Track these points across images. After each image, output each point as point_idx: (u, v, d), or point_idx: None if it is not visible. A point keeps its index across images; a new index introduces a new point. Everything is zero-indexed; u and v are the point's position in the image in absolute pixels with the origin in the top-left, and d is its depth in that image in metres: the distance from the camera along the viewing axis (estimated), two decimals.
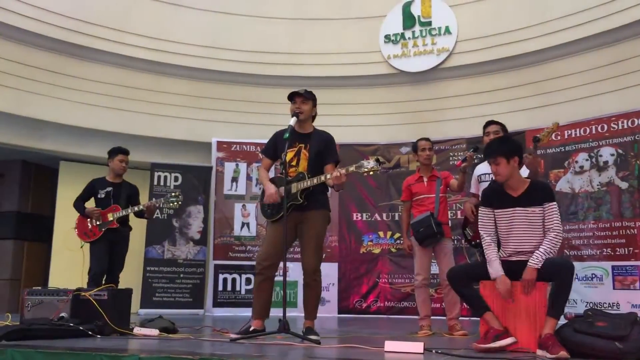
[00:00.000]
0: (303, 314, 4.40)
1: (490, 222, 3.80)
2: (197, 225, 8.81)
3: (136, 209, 5.85)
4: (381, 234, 8.55)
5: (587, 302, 6.71)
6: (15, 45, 8.07)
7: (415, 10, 9.18)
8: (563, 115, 7.55)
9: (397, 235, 8.36)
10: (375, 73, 9.26)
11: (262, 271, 4.30)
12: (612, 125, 6.98)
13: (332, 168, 4.33)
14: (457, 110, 8.74)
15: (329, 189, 4.42)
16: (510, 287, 3.58)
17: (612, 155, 6.93)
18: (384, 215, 8.59)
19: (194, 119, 9.11)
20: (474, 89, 8.73)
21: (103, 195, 5.91)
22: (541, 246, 3.58)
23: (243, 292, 8.51)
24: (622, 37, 7.61)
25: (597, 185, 7.00)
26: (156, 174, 8.76)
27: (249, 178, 8.88)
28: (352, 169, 4.05)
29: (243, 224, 8.77)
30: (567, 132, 7.32)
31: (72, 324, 4.14)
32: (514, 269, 3.61)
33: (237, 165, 8.89)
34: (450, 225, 5.56)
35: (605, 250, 6.82)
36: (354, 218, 8.67)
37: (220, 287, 8.51)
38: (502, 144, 3.78)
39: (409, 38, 9.14)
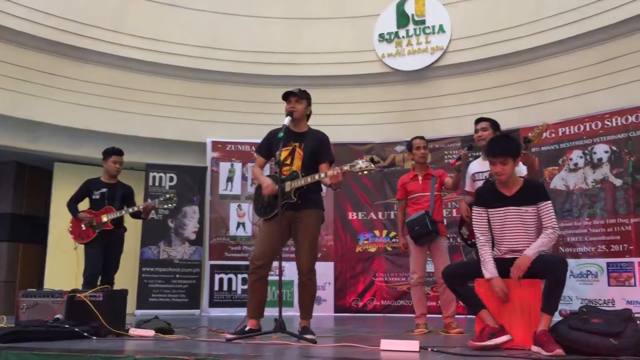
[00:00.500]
0: (299, 314, 4.40)
1: (484, 222, 3.81)
2: (193, 225, 8.80)
3: (131, 210, 5.84)
4: (377, 232, 8.56)
5: (582, 299, 6.74)
6: (9, 46, 8.04)
7: (409, 9, 9.19)
8: (557, 113, 7.58)
9: (392, 233, 8.37)
10: (370, 72, 9.27)
11: (255, 270, 4.30)
12: (606, 122, 7.00)
13: (327, 167, 4.34)
14: (451, 108, 8.75)
15: (323, 188, 4.42)
16: (505, 287, 3.58)
17: (606, 152, 6.96)
18: (380, 214, 8.60)
19: (189, 119, 9.10)
20: (468, 87, 8.75)
21: (98, 196, 5.89)
22: (539, 239, 3.60)
23: (239, 292, 8.50)
24: (615, 35, 7.63)
25: (592, 182, 7.03)
26: (151, 174, 8.75)
27: (244, 178, 8.87)
28: (346, 168, 4.06)
29: (238, 224, 8.76)
30: (561, 130, 7.34)
31: (67, 326, 4.13)
32: (509, 266, 3.62)
33: (232, 165, 8.89)
34: (445, 223, 5.57)
35: (600, 247, 6.85)
36: (350, 217, 8.68)
37: (216, 287, 8.51)
38: (510, 144, 3.71)
39: (403, 37, 9.15)
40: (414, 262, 5.31)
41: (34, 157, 8.98)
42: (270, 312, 4.43)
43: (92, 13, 8.58)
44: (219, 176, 8.84)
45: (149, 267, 8.51)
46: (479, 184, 4.76)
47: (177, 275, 8.60)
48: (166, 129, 9.00)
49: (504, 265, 3.65)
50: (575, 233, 7.07)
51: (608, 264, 6.75)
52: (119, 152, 6.02)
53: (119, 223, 5.91)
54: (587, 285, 6.87)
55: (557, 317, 3.49)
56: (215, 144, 8.91)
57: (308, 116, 4.52)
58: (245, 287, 8.34)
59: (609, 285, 6.72)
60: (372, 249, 8.55)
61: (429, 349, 3.38)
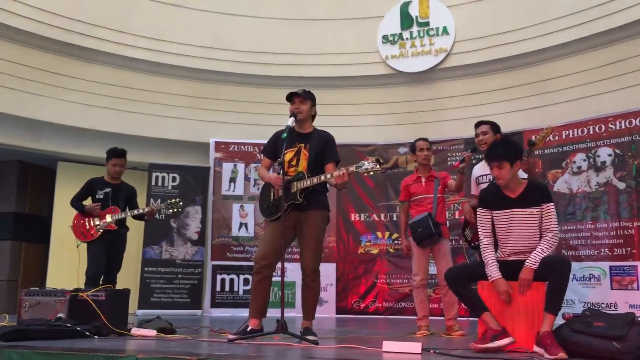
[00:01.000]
0: (301, 315, 4.39)
1: (488, 224, 3.80)
2: (195, 225, 8.80)
3: (136, 212, 5.85)
4: (379, 234, 8.55)
5: (585, 303, 6.72)
6: (14, 45, 8.05)
7: (413, 10, 9.19)
8: (561, 116, 7.57)
9: (395, 235, 8.36)
10: (373, 73, 9.27)
11: (259, 270, 4.29)
12: (610, 125, 6.99)
13: (333, 168, 4.34)
14: (455, 110, 8.74)
15: (329, 189, 4.42)
16: (508, 289, 3.58)
17: (610, 155, 6.95)
18: (382, 215, 8.59)
19: (192, 119, 9.11)
20: (472, 90, 8.74)
21: (101, 196, 5.90)
22: (538, 246, 3.59)
23: (241, 292, 8.50)
24: (619, 38, 7.62)
25: (595, 185, 7.01)
26: (154, 174, 8.75)
27: (246, 178, 8.87)
28: (352, 169, 4.06)
29: (241, 225, 8.76)
30: (565, 133, 7.33)
31: (69, 325, 4.13)
32: (512, 268, 3.62)
33: (235, 165, 8.89)
34: (448, 225, 5.57)
35: (603, 250, 6.83)
36: (352, 218, 8.67)
37: (218, 288, 8.51)
38: (507, 148, 3.73)
39: (407, 38, 9.15)
40: (416, 264, 5.30)
41: (38, 157, 9.00)
42: (272, 313, 4.43)
43: (96, 13, 8.59)
44: (222, 176, 8.84)
45: (151, 267, 8.51)
46: (483, 186, 4.74)
47: (179, 276, 8.60)
48: (169, 129, 9.01)
49: (507, 268, 3.64)
50: (578, 236, 7.05)
51: (611, 268, 6.73)
52: (119, 155, 5.98)
53: (122, 223, 5.91)
54: (589, 289, 6.85)
55: (560, 320, 3.48)
56: (218, 144, 8.92)
57: (313, 117, 4.52)
58: (247, 287, 8.34)
59: (611, 288, 6.70)
60: (375, 251, 8.55)
61: (432, 351, 3.38)
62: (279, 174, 4.32)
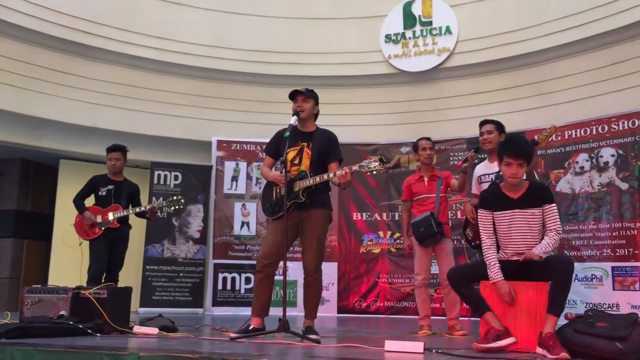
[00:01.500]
0: (303, 314, 4.39)
1: (490, 225, 3.79)
2: (197, 224, 8.81)
3: (137, 210, 5.85)
4: (381, 233, 8.55)
5: (587, 303, 6.71)
6: (17, 43, 8.07)
7: (416, 10, 9.18)
8: (563, 116, 7.56)
9: (397, 235, 8.36)
10: (376, 73, 9.26)
11: (262, 269, 4.29)
12: (613, 126, 6.97)
13: (336, 166, 4.34)
14: (457, 110, 8.74)
15: (331, 188, 4.42)
16: (511, 291, 3.57)
17: (613, 156, 6.93)
18: (384, 215, 8.59)
19: (195, 117, 9.12)
20: (475, 89, 8.73)
21: (104, 193, 5.89)
22: (544, 240, 3.59)
23: (243, 291, 8.50)
24: (622, 38, 7.61)
25: (598, 186, 7.00)
26: (156, 172, 8.76)
27: (249, 177, 8.87)
28: (355, 168, 4.06)
29: (243, 223, 8.76)
30: (568, 133, 7.32)
31: (71, 322, 4.13)
32: (514, 268, 3.61)
33: (237, 164, 8.89)
34: (450, 225, 5.56)
35: (605, 251, 6.82)
36: (354, 218, 8.67)
37: (219, 286, 8.51)
38: (528, 148, 3.70)
39: (410, 38, 9.14)
40: (418, 263, 5.30)
41: (40, 154, 9.01)
42: (274, 312, 4.43)
43: (101, 11, 8.61)
44: (224, 175, 8.84)
45: (153, 265, 8.52)
46: (485, 186, 4.74)
47: (181, 274, 8.60)
48: (172, 128, 9.01)
49: (509, 268, 3.63)
50: (580, 237, 7.04)
51: (613, 268, 6.72)
52: (115, 149, 5.98)
53: (124, 221, 5.91)
54: (591, 289, 6.84)
55: (562, 321, 3.47)
56: (220, 143, 8.92)
57: (316, 116, 4.51)
58: (249, 286, 8.34)
59: (613, 289, 6.69)
60: (376, 250, 8.54)
61: (434, 351, 3.37)
62: (281, 172, 4.32)
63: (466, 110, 8.58)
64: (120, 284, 5.55)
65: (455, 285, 3.78)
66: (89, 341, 3.65)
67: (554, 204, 3.68)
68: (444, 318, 5.29)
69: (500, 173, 4.11)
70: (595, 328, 3.24)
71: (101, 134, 8.43)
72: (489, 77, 8.69)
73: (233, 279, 8.56)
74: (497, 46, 8.53)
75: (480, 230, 3.82)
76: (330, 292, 8.35)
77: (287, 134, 4.17)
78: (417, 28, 9.14)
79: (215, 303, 8.45)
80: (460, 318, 5.18)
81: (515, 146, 3.70)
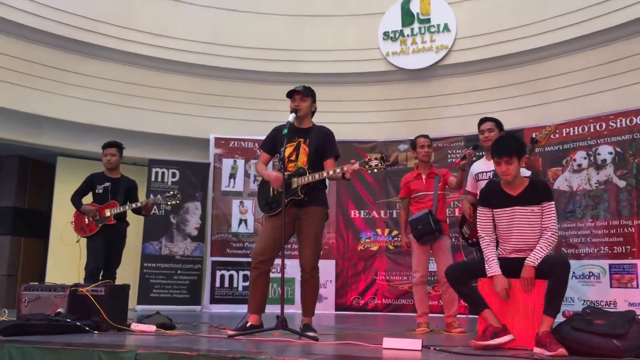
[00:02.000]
0: (300, 311, 4.39)
1: (489, 222, 3.79)
2: (195, 221, 8.80)
3: (134, 206, 5.83)
4: (379, 231, 8.55)
5: (585, 300, 6.73)
6: (15, 40, 8.05)
7: (414, 7, 9.18)
8: (561, 114, 7.57)
9: (394, 232, 8.36)
10: (374, 70, 9.26)
11: (257, 265, 4.27)
12: (611, 123, 6.98)
13: (333, 163, 4.34)
14: (455, 107, 8.74)
15: (327, 185, 4.41)
16: (507, 286, 3.57)
17: (610, 153, 6.94)
18: (382, 212, 8.59)
19: (192, 115, 9.11)
20: (473, 87, 8.74)
21: (101, 191, 5.88)
22: (538, 245, 3.58)
23: (240, 288, 8.50)
24: (620, 36, 7.62)
25: (595, 183, 7.01)
26: (154, 170, 8.75)
27: (246, 174, 8.87)
28: (356, 165, 4.06)
29: (241, 221, 8.76)
30: (566, 131, 7.32)
31: (69, 320, 4.13)
32: (513, 266, 3.61)
33: (234, 161, 8.88)
34: (448, 222, 5.55)
35: (602, 248, 6.82)
36: (352, 215, 8.67)
37: (217, 284, 8.51)
38: (515, 143, 3.72)
39: (408, 35, 9.14)
40: (416, 260, 5.30)
41: (37, 152, 8.99)
42: (272, 309, 4.43)
43: (98, 8, 8.60)
44: (222, 172, 8.84)
45: (150, 262, 8.51)
46: (482, 184, 4.74)
47: (179, 271, 8.60)
48: (169, 125, 9.00)
49: (509, 265, 3.63)
50: (578, 234, 7.05)
51: (611, 266, 6.73)
52: (110, 145, 5.98)
53: (121, 218, 5.90)
54: (589, 287, 6.85)
55: (560, 318, 3.47)
56: (218, 141, 8.91)
57: (313, 113, 4.51)
58: (247, 284, 8.33)
59: (611, 286, 6.70)
60: (374, 248, 8.54)
61: (432, 348, 3.37)
62: (279, 169, 4.31)
63: (464, 107, 8.58)
64: (118, 282, 5.55)
65: (453, 282, 3.78)
66: (87, 339, 3.65)
67: (553, 202, 3.68)
68: (442, 315, 5.29)
69: None
70: (592, 325, 3.25)
71: (99, 131, 8.41)
72: (487, 75, 8.70)
73: (231, 276, 8.56)
74: (495, 44, 8.53)
75: (479, 228, 3.82)
76: (328, 290, 8.36)
77: (285, 131, 4.17)
78: (415, 25, 9.14)
79: (213, 300, 8.46)
80: (458, 315, 5.18)
81: (497, 145, 3.77)
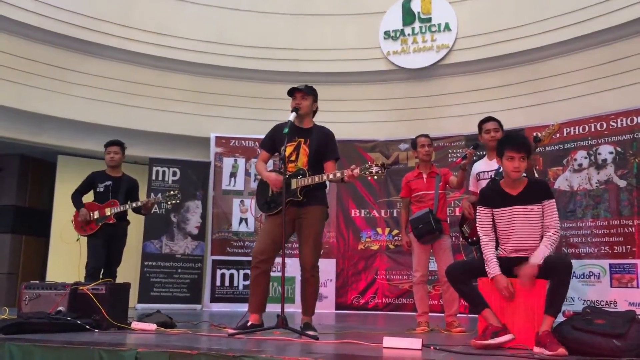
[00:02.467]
0: (301, 310, 4.40)
1: (489, 222, 3.79)
2: (195, 220, 8.81)
3: (134, 205, 5.83)
4: (379, 230, 8.55)
5: (585, 300, 6.73)
6: (16, 39, 8.05)
7: (415, 6, 9.17)
8: (562, 113, 7.56)
9: (395, 231, 8.36)
10: (375, 69, 9.26)
11: (258, 265, 4.28)
12: (611, 123, 6.98)
13: (333, 165, 4.34)
14: (456, 107, 8.74)
15: (327, 185, 4.42)
16: (508, 285, 3.57)
17: (611, 153, 6.94)
18: (383, 211, 8.59)
19: (193, 114, 9.11)
20: (474, 86, 8.73)
21: (102, 189, 5.88)
22: (542, 243, 3.58)
23: (241, 287, 8.51)
24: (621, 36, 7.61)
25: (596, 183, 7.00)
26: (154, 168, 8.75)
27: (247, 173, 8.87)
28: (357, 171, 4.07)
29: (241, 220, 8.76)
30: (566, 130, 7.31)
31: (69, 318, 4.13)
32: (513, 265, 3.61)
33: (235, 160, 8.89)
34: (448, 222, 5.56)
35: (603, 248, 6.82)
36: (353, 214, 8.67)
37: (218, 283, 8.51)
38: (528, 142, 3.71)
39: (409, 34, 9.13)
40: (416, 260, 5.30)
41: (38, 150, 9.00)
42: (272, 308, 4.43)
43: (100, 7, 8.61)
44: (222, 171, 8.84)
45: (151, 261, 8.52)
46: (483, 183, 4.74)
47: (179, 270, 8.60)
48: (170, 124, 9.00)
49: (508, 264, 3.64)
50: (578, 234, 7.05)
51: (611, 265, 6.73)
52: (113, 143, 5.99)
53: (122, 216, 5.90)
54: (589, 286, 6.85)
55: (560, 318, 3.47)
56: (219, 139, 8.91)
57: (314, 112, 4.50)
58: (247, 282, 8.34)
59: (611, 286, 6.70)
60: (375, 247, 8.55)
61: (432, 347, 3.37)
62: (279, 168, 4.31)
63: (465, 107, 8.58)
64: (119, 280, 5.55)
65: (454, 281, 3.78)
66: (87, 337, 3.65)
67: (553, 200, 3.68)
68: (442, 315, 5.29)
69: (500, 170, 4.12)
70: (592, 325, 3.25)
71: (100, 130, 8.41)
72: (487, 74, 8.69)
73: (231, 275, 8.56)
74: (496, 43, 8.53)
75: (479, 227, 3.82)
76: (328, 289, 8.36)
77: (286, 130, 4.16)
78: (416, 25, 9.13)
79: (214, 299, 8.46)
80: (458, 315, 5.19)
81: (516, 140, 3.70)
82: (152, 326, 4.36)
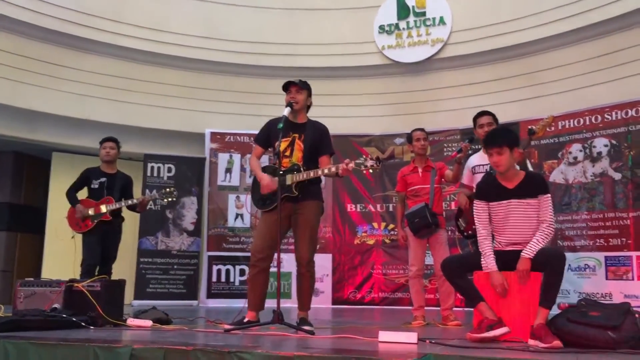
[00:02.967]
0: (297, 305, 4.39)
1: (485, 216, 3.80)
2: (191, 216, 8.79)
3: (129, 202, 5.81)
4: (375, 225, 8.56)
5: (580, 293, 6.75)
6: (9, 35, 8.02)
7: (410, 0, 9.15)
8: (557, 106, 7.57)
9: (391, 226, 8.37)
10: (370, 64, 9.25)
11: (257, 263, 4.28)
12: (606, 116, 6.99)
13: (328, 160, 4.34)
14: (451, 101, 8.73)
15: (322, 180, 4.41)
16: (504, 282, 3.58)
17: (606, 146, 6.95)
18: (378, 206, 8.59)
19: (188, 109, 9.08)
20: (469, 80, 8.73)
21: (97, 186, 5.86)
22: (534, 237, 3.59)
23: (237, 283, 8.51)
24: (616, 28, 7.62)
25: (591, 176, 7.02)
26: (149, 165, 8.73)
27: (242, 169, 8.86)
28: (352, 165, 4.06)
29: (237, 215, 8.76)
30: (561, 123, 7.32)
31: (65, 315, 4.13)
32: (509, 258, 3.62)
33: (230, 156, 8.87)
34: (444, 216, 5.56)
35: (598, 240, 6.85)
36: (348, 209, 8.67)
37: (214, 278, 8.51)
38: (507, 134, 3.75)
39: (404, 28, 9.12)
40: (412, 254, 5.30)
41: (33, 147, 8.96)
42: (268, 303, 4.43)
43: (92, 3, 8.57)
44: (218, 167, 8.83)
45: (146, 257, 8.50)
46: (479, 177, 4.74)
47: (175, 266, 8.59)
48: (165, 120, 8.97)
49: (504, 258, 3.65)
50: (573, 227, 7.07)
51: (606, 258, 6.75)
52: (108, 139, 5.99)
53: (117, 213, 5.89)
54: (584, 279, 6.88)
55: (555, 310, 3.48)
56: (214, 135, 8.89)
57: (308, 107, 4.49)
58: (243, 278, 8.35)
59: (606, 279, 6.72)
60: (371, 241, 8.55)
61: (427, 341, 3.38)
62: (274, 164, 4.30)
63: (460, 101, 8.58)
64: (114, 277, 5.55)
65: (449, 275, 3.79)
66: (83, 334, 3.65)
67: (549, 195, 3.69)
68: (438, 308, 5.30)
69: None
70: (588, 317, 3.26)
71: (94, 126, 8.38)
72: (482, 68, 8.69)
73: (227, 271, 8.56)
74: (491, 37, 8.52)
75: (476, 221, 3.83)
76: (324, 284, 8.37)
77: (281, 125, 4.15)
78: (411, 19, 9.12)
79: (210, 295, 8.46)
80: (454, 308, 5.20)
81: (487, 137, 3.82)
82: (148, 322, 4.36)
